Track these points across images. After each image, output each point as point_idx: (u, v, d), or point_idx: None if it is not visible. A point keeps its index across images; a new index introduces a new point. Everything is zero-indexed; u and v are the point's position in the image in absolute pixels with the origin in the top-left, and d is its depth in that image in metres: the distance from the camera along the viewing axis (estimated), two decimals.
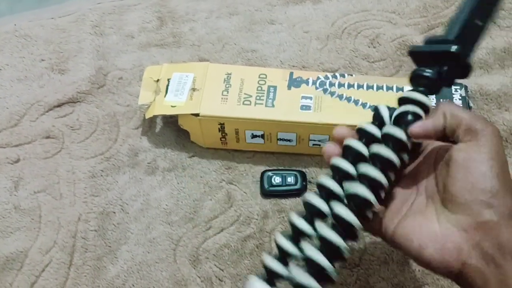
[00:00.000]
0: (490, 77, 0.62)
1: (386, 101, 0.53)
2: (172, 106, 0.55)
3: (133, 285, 0.49)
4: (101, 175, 0.56)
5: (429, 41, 0.38)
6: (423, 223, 0.34)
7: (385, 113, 0.37)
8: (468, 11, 0.36)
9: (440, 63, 0.36)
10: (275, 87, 0.56)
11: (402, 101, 0.37)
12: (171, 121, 0.60)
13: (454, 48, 0.35)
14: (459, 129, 0.34)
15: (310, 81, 0.56)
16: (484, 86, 0.61)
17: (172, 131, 0.60)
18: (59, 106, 0.62)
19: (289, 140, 0.56)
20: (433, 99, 0.54)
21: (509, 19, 0.68)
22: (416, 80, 0.37)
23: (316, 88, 0.56)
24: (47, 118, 0.61)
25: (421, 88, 0.37)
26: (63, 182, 0.56)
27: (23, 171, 0.57)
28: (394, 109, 0.37)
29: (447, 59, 0.36)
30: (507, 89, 0.60)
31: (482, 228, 0.32)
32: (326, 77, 0.56)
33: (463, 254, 0.32)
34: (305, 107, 0.54)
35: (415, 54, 0.39)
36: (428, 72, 0.36)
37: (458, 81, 0.56)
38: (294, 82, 0.56)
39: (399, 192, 0.37)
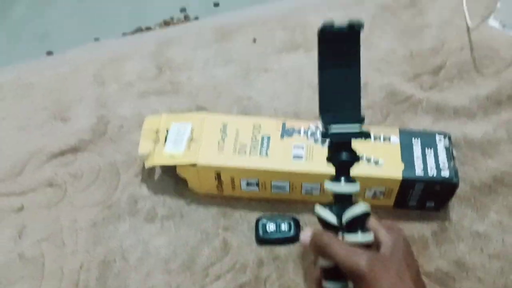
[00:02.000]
0: (474, 124, 0.65)
1: (372, 149, 0.56)
2: (170, 156, 0.58)
3: None
4: (102, 224, 0.59)
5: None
6: None
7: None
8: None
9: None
10: (268, 137, 0.58)
11: None
12: (169, 168, 0.62)
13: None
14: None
15: (302, 131, 0.59)
16: (468, 133, 0.63)
17: (171, 178, 0.62)
18: (61, 154, 0.64)
19: (282, 188, 0.58)
20: (418, 145, 0.57)
21: (491, 67, 0.71)
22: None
23: (308, 138, 0.58)
24: (49, 167, 0.63)
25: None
26: (65, 231, 0.58)
27: (27, 220, 0.59)
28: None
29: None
30: (490, 136, 0.63)
31: None
32: (317, 127, 0.59)
33: None
34: (297, 157, 0.57)
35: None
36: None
37: (442, 129, 0.60)
38: (286, 132, 0.59)
39: None
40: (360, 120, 0.44)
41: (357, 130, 0.44)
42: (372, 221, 0.46)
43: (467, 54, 0.73)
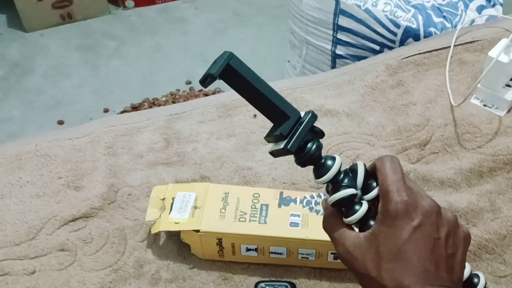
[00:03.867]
0: (458, 195, 0.70)
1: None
2: (175, 223, 0.62)
3: None
4: (109, 287, 0.62)
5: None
6: None
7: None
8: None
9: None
10: (267, 205, 0.63)
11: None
12: (174, 233, 0.67)
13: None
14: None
15: (298, 200, 0.64)
16: (453, 203, 0.68)
17: (175, 243, 0.66)
18: (73, 220, 0.69)
19: (280, 253, 0.62)
20: None
21: (473, 141, 0.77)
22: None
23: (303, 207, 0.63)
24: (62, 232, 0.68)
25: None
26: None
27: (38, 282, 0.63)
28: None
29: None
30: (474, 206, 0.68)
31: None
32: (312, 197, 0.64)
33: None
34: (294, 224, 0.61)
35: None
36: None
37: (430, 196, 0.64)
38: (283, 201, 0.64)
39: None
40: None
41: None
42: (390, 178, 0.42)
43: (451, 129, 0.79)
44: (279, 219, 0.62)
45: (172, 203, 0.65)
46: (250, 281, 0.62)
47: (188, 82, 1.96)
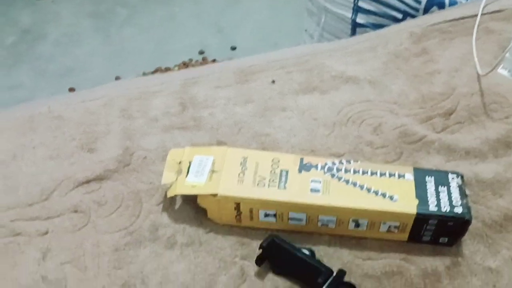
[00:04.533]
0: (484, 165, 0.67)
1: (388, 186, 0.59)
2: (192, 186, 0.61)
3: None
4: (124, 249, 0.61)
5: None
6: None
7: None
8: None
9: None
10: (287, 171, 0.61)
11: None
12: (190, 198, 0.65)
13: None
14: None
15: (319, 166, 0.62)
16: (479, 174, 0.66)
17: (191, 207, 0.65)
18: (87, 182, 0.67)
19: (299, 220, 0.60)
20: (431, 182, 0.59)
21: (501, 111, 0.74)
22: None
23: (325, 173, 0.61)
24: (75, 194, 0.66)
25: None
26: (88, 255, 0.60)
27: (51, 243, 0.62)
28: None
29: None
30: (501, 177, 0.66)
31: None
32: (334, 163, 0.62)
33: None
34: (314, 190, 0.59)
35: None
36: None
37: (454, 169, 0.62)
38: (304, 167, 0.62)
39: None
40: None
41: None
42: None
43: (477, 99, 0.76)
44: (299, 184, 0.60)
45: (189, 167, 0.63)
46: None
47: (201, 52, 1.93)
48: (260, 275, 0.58)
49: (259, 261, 0.58)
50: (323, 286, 0.54)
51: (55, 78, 1.87)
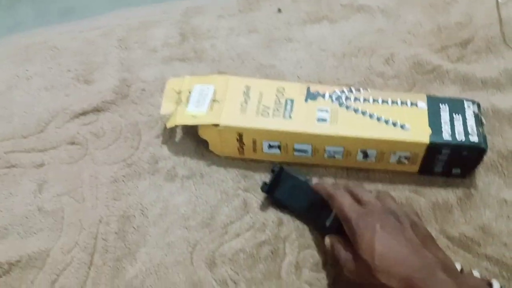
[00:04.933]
0: (502, 96, 0.63)
1: (399, 114, 0.55)
2: (193, 116, 0.58)
3: (151, 286, 0.51)
4: (123, 181, 0.59)
5: None
6: None
7: None
8: None
9: None
10: (292, 100, 0.58)
11: None
12: (190, 131, 0.62)
13: None
14: None
15: (327, 95, 0.58)
16: (496, 104, 0.62)
17: (192, 140, 0.62)
18: (84, 114, 0.65)
19: (305, 151, 0.58)
20: (446, 110, 0.55)
21: None
22: None
23: (332, 102, 0.57)
24: (72, 125, 0.64)
25: None
26: (86, 186, 0.58)
27: (48, 175, 0.60)
28: None
29: None
30: None
31: None
32: (342, 91, 0.58)
33: None
34: (322, 120, 0.56)
35: None
36: None
37: (471, 97, 0.58)
38: (311, 96, 0.58)
39: None
40: None
41: None
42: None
43: (496, 29, 0.71)
44: (305, 114, 0.56)
45: (189, 96, 0.60)
46: None
47: None
48: (263, 207, 0.56)
49: (266, 187, 0.56)
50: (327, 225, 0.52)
51: (56, 18, 1.81)
